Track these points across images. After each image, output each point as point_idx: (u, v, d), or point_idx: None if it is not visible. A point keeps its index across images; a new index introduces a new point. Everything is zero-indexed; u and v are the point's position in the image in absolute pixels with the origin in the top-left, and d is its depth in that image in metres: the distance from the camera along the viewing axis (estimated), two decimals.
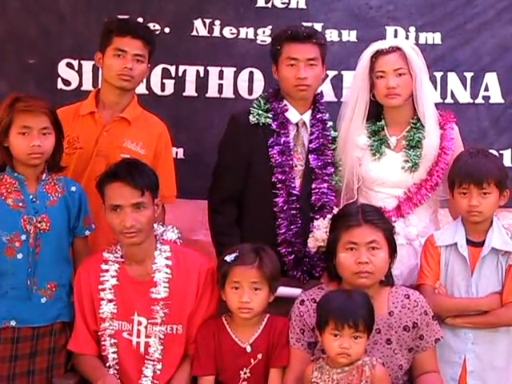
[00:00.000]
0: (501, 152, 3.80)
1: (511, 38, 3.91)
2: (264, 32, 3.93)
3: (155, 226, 3.00)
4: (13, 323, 2.96)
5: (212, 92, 3.97)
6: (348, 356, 2.57)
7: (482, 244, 2.98)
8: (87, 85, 3.95)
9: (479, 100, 3.92)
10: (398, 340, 2.78)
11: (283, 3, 3.94)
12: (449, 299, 2.97)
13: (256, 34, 3.95)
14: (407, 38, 3.85)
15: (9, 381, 2.94)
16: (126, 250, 2.94)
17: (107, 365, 2.92)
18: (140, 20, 3.79)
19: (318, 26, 3.65)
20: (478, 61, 3.92)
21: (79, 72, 3.99)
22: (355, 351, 2.58)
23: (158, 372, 2.89)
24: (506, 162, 3.79)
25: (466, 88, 3.92)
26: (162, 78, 3.96)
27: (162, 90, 3.97)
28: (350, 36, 3.91)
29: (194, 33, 3.96)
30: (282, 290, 2.94)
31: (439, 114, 3.23)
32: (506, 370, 2.98)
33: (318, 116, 3.27)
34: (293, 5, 3.93)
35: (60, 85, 3.98)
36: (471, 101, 3.92)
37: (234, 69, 3.96)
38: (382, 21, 3.91)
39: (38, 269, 2.97)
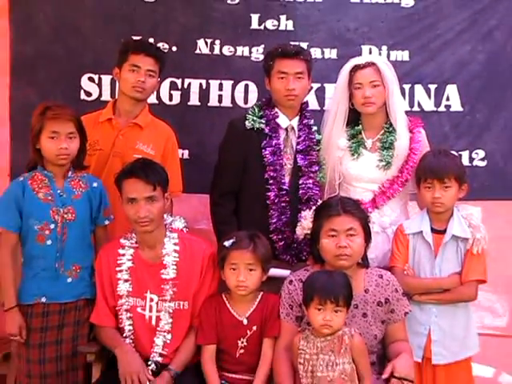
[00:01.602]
0: (460, 153, 3.79)
1: (469, 55, 3.90)
2: (257, 50, 3.91)
3: (165, 216, 2.98)
4: (43, 300, 2.97)
5: (213, 101, 3.95)
6: (330, 327, 2.57)
7: (444, 232, 2.98)
8: (106, 96, 3.92)
9: (442, 108, 3.91)
10: (372, 313, 2.77)
11: (274, 25, 3.92)
12: (416, 279, 2.97)
13: (250, 52, 3.93)
14: (380, 55, 3.83)
15: (40, 348, 2.95)
16: (139, 237, 2.93)
17: (124, 335, 2.91)
18: (151, 40, 3.77)
19: (304, 45, 3.64)
20: (441, 75, 3.90)
21: (99, 85, 3.96)
22: (336, 323, 2.58)
23: (168, 342, 2.89)
24: (464, 161, 3.78)
25: (430, 98, 3.91)
26: (169, 90, 3.94)
27: (170, 99, 3.95)
28: (331, 54, 3.90)
29: (198, 51, 3.94)
30: (274, 271, 2.93)
31: (408, 120, 3.23)
32: (463, 339, 2.98)
33: (304, 122, 3.25)
34: (282, 27, 3.92)
35: (83, 96, 3.96)
36: (435, 109, 3.91)
37: (232, 82, 3.94)
38: (359, 41, 3.89)
39: (65, 253, 2.98)
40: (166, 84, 3.90)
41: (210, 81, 3.94)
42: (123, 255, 2.93)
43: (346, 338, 2.59)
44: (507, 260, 3.63)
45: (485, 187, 3.68)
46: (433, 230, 2.99)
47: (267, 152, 3.16)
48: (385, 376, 2.56)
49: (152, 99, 3.62)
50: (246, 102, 3.91)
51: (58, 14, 3.97)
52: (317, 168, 3.22)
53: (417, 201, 3.20)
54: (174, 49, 3.93)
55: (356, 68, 3.15)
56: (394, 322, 2.80)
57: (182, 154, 3.75)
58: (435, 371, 2.96)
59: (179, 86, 3.95)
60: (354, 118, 3.23)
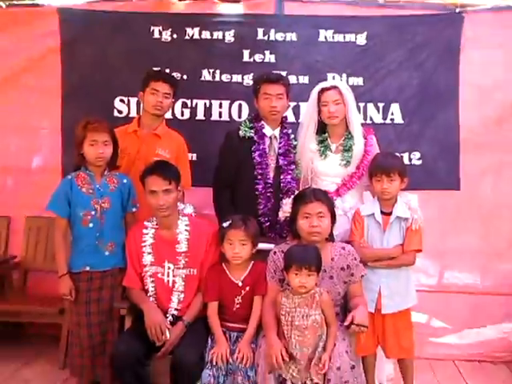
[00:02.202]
0: (401, 154, 3.73)
1: (407, 80, 3.83)
2: (248, 77, 3.83)
3: (178, 204, 2.94)
4: (87, 268, 2.95)
5: (214, 117, 3.88)
6: (305, 287, 2.55)
7: (390, 213, 2.93)
8: (133, 113, 3.85)
9: (387, 121, 3.84)
10: (337, 276, 2.74)
11: (260, 58, 3.85)
12: (369, 250, 2.91)
13: (243, 79, 3.85)
14: (341, 80, 3.76)
15: (86, 305, 2.93)
16: (159, 220, 2.89)
17: (148, 295, 2.87)
18: (167, 70, 3.68)
19: (284, 73, 3.55)
20: (386, 96, 3.84)
21: (128, 105, 3.89)
22: (309, 284, 2.55)
23: (181, 299, 2.86)
24: (405, 161, 3.74)
25: (379, 113, 3.84)
26: (181, 108, 3.87)
27: (182, 115, 3.88)
28: (304, 80, 3.83)
29: (202, 78, 3.87)
30: (261, 245, 2.88)
31: (363, 129, 3.17)
32: (405, 294, 2.95)
33: (284, 131, 3.18)
34: (267, 60, 3.85)
35: (115, 113, 3.89)
36: (382, 121, 3.84)
37: (229, 101, 3.86)
38: (325, 70, 3.81)
39: (103, 233, 2.94)
40: (178, 104, 3.84)
41: (212, 101, 3.87)
42: (147, 234, 2.89)
43: (317, 296, 2.56)
44: (436, 234, 3.59)
45: (420, 180, 3.62)
46: (382, 212, 2.94)
47: (256, 155, 3.09)
48: (346, 323, 2.53)
49: (168, 115, 3.54)
50: (239, 116, 3.83)
51: (97, 51, 3.89)
52: (294, 166, 3.15)
53: (370, 190, 3.14)
54: (185, 77, 3.86)
55: (323, 90, 3.09)
56: (353, 282, 2.76)
57: (191, 157, 3.67)
58: (384, 318, 2.93)
59: (189, 105, 3.88)
60: (321, 128, 3.17)
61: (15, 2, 3.94)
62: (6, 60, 3.92)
